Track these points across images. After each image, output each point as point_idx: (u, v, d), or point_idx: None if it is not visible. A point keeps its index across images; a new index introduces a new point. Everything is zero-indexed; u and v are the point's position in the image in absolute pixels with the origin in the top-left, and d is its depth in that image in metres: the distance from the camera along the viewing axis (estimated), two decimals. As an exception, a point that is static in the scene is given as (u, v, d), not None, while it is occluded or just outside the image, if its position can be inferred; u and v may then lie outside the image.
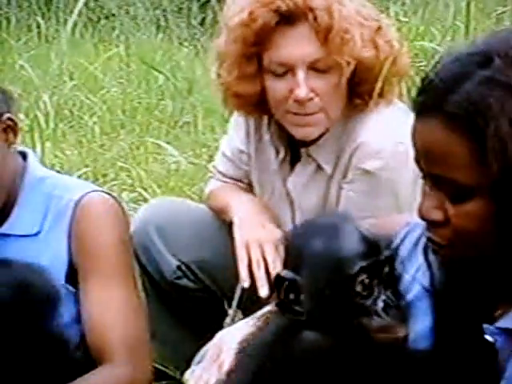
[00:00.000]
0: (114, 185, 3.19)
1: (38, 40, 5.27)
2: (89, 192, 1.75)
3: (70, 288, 1.72)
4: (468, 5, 3.13)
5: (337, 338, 1.28)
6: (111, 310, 1.67)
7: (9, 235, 1.73)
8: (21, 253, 1.69)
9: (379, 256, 1.31)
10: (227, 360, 1.55)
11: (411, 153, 1.93)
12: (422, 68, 3.00)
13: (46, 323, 1.59)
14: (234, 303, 1.98)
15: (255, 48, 1.88)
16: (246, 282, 1.87)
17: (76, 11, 4.28)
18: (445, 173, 1.19)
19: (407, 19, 3.68)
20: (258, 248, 1.89)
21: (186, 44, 5.40)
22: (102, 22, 5.82)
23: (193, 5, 6.01)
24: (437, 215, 1.22)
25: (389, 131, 1.91)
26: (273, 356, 1.30)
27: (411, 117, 1.98)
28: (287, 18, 1.85)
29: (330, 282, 1.29)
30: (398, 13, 3.38)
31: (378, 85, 1.88)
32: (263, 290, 1.84)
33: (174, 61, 4.89)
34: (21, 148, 1.80)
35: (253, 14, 1.85)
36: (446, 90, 1.18)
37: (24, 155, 1.78)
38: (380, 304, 1.29)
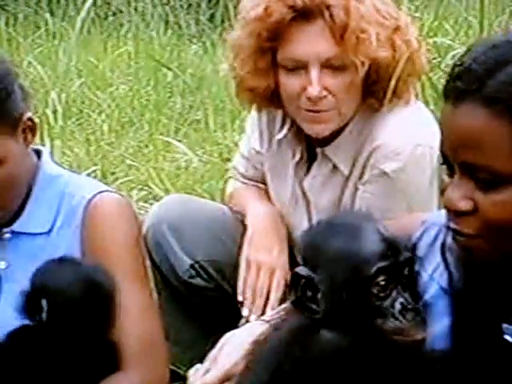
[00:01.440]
0: (123, 183, 3.16)
1: (45, 37, 5.25)
2: (101, 191, 1.73)
3: None
4: (482, 0, 3.10)
5: (353, 338, 1.26)
6: (127, 314, 1.64)
7: (21, 233, 1.72)
8: (33, 251, 1.68)
9: (398, 257, 1.29)
10: (222, 361, 1.56)
11: (429, 155, 1.90)
12: (435, 64, 2.97)
13: (108, 325, 1.57)
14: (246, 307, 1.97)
15: (270, 43, 1.86)
16: (240, 296, 1.95)
17: (85, 8, 4.26)
18: (480, 159, 1.16)
19: (419, 14, 3.65)
20: (256, 271, 1.94)
21: (194, 41, 5.38)
22: (110, 18, 5.80)
23: (202, 1, 5.99)
24: (465, 205, 1.19)
25: (408, 133, 1.89)
26: (290, 355, 1.28)
27: (429, 117, 1.98)
28: (303, 14, 1.83)
29: (347, 281, 1.27)
30: (410, 8, 3.33)
31: (392, 84, 1.86)
32: (244, 311, 1.93)
33: (182, 58, 4.86)
34: (35, 146, 1.78)
35: (268, 8, 1.83)
36: (485, 74, 1.16)
37: (38, 153, 1.77)
38: (397, 306, 1.27)
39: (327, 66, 1.85)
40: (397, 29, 1.87)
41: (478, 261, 1.23)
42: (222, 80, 4.24)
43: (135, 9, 5.77)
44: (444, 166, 1.25)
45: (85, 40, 5.11)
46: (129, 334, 1.63)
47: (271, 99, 1.93)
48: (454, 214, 1.21)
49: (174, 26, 5.67)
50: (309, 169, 1.99)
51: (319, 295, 1.28)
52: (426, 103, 2.42)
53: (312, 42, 1.83)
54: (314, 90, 1.83)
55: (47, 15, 5.59)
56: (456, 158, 1.20)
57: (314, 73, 1.84)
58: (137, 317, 1.66)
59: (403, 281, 1.29)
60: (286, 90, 1.88)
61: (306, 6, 1.82)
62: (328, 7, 1.82)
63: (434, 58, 3.06)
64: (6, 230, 1.72)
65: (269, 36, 1.85)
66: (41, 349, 1.54)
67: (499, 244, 1.20)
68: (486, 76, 1.16)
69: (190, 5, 6.01)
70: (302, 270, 1.30)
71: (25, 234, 1.72)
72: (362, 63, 1.83)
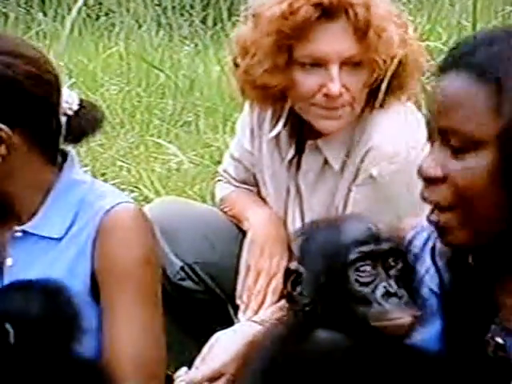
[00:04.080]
0: (114, 184, 3.14)
1: (36, 37, 5.23)
2: (121, 202, 1.69)
3: (90, 300, 1.67)
4: (474, 3, 3.09)
5: (343, 333, 1.26)
6: (133, 332, 1.62)
7: (32, 234, 1.68)
8: (39, 254, 1.65)
9: (380, 245, 1.29)
10: (211, 360, 1.58)
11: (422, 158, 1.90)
12: (427, 68, 2.97)
13: (72, 344, 1.55)
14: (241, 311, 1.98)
15: (290, 40, 1.85)
16: (238, 300, 1.96)
17: (76, 8, 4.24)
18: (455, 123, 1.19)
19: (412, 18, 3.64)
20: (255, 276, 1.94)
21: (187, 42, 5.37)
22: (102, 19, 5.78)
23: (195, 2, 5.97)
24: (436, 171, 1.21)
25: (402, 135, 1.90)
26: (283, 354, 1.28)
27: (421, 119, 1.99)
28: (327, 12, 1.83)
29: (327, 269, 1.29)
30: (403, 11, 3.33)
31: (386, 81, 1.87)
32: (240, 315, 1.93)
33: (175, 59, 4.85)
34: (64, 148, 1.73)
35: (293, 6, 1.82)
36: (473, 49, 1.21)
37: (65, 155, 1.72)
38: (379, 291, 1.27)
39: (346, 63, 1.85)
40: (404, 27, 1.89)
41: (452, 243, 1.23)
42: (215, 82, 4.24)
43: (127, 10, 5.76)
44: None
45: (76, 40, 5.10)
46: (130, 353, 1.61)
47: (281, 96, 1.93)
48: (427, 182, 1.23)
49: (167, 27, 5.65)
50: (299, 164, 1.99)
51: (303, 287, 1.29)
52: (418, 107, 2.41)
53: (335, 40, 1.84)
54: (334, 87, 1.84)
55: (38, 15, 5.57)
56: (435, 123, 1.23)
57: (335, 70, 1.84)
58: (142, 337, 1.63)
59: (388, 270, 1.29)
60: (302, 87, 1.88)
61: (332, 4, 1.82)
62: (352, 6, 1.83)
63: (428, 61, 3.06)
64: (18, 228, 1.69)
65: (290, 34, 1.84)
66: (12, 372, 1.52)
67: (470, 221, 1.20)
68: (474, 50, 1.21)
69: (182, 6, 6.00)
70: (292, 264, 1.33)
71: (35, 235, 1.68)
72: (384, 61, 1.84)
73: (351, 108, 1.88)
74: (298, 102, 1.91)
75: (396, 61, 1.86)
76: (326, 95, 1.85)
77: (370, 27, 1.82)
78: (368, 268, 1.28)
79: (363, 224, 1.32)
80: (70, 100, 1.69)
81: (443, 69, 1.24)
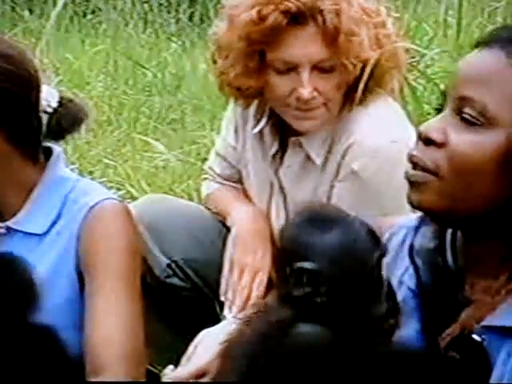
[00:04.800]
0: (101, 182, 3.14)
1: (23, 34, 5.21)
2: (105, 199, 1.68)
3: (78, 296, 1.67)
4: (460, 0, 3.10)
5: (340, 330, 1.25)
6: (113, 321, 1.62)
7: (16, 230, 1.68)
8: (23, 251, 1.63)
9: (383, 247, 1.29)
10: (196, 357, 1.58)
11: (404, 153, 1.92)
12: (413, 65, 2.97)
13: (27, 312, 1.54)
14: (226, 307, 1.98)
15: (261, 45, 1.87)
16: (222, 297, 1.96)
17: (60, 3, 4.23)
18: (478, 95, 1.19)
19: (398, 14, 3.64)
20: (239, 272, 1.94)
21: (174, 39, 5.36)
22: (89, 16, 5.77)
23: (182, 0, 5.97)
24: (438, 135, 1.20)
25: (383, 130, 1.91)
26: (267, 351, 1.26)
27: (402, 113, 1.99)
28: (296, 19, 1.85)
29: (353, 271, 1.26)
30: (389, 8, 3.33)
31: (365, 78, 1.88)
32: (225, 311, 1.94)
33: (162, 56, 4.84)
34: (50, 145, 1.72)
35: (261, 12, 1.84)
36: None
37: (49, 152, 1.71)
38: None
39: (317, 67, 1.87)
40: (380, 25, 1.90)
41: (422, 204, 1.22)
42: (202, 79, 4.23)
43: (114, 7, 5.74)
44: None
45: (62, 38, 5.08)
46: (111, 342, 1.60)
47: (257, 96, 1.95)
48: (423, 142, 1.22)
49: (154, 24, 5.64)
50: (283, 160, 2.00)
51: (322, 288, 1.25)
52: (404, 104, 2.41)
53: (304, 46, 1.85)
54: (305, 92, 1.86)
55: (24, 12, 5.55)
56: (456, 92, 1.22)
57: (305, 75, 1.86)
58: (122, 326, 1.63)
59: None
60: (275, 90, 1.90)
61: (300, 10, 1.83)
62: (320, 12, 1.84)
63: (413, 57, 3.06)
64: (1, 224, 1.68)
65: (260, 39, 1.86)
66: None
67: (455, 191, 1.19)
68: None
69: (169, 3, 5.99)
70: (306, 264, 1.26)
71: (19, 232, 1.68)
72: (354, 65, 1.86)
73: (326, 109, 1.90)
74: (274, 104, 1.93)
75: (372, 61, 1.86)
76: (298, 99, 1.87)
77: (339, 33, 1.83)
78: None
79: (363, 222, 1.30)
80: (49, 97, 1.68)
81: (479, 44, 1.23)
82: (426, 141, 1.21)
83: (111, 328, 1.62)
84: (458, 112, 1.20)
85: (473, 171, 1.18)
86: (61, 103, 1.69)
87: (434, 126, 1.21)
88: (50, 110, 1.68)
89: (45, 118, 1.68)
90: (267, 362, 1.25)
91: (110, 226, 1.67)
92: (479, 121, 1.18)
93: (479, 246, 1.23)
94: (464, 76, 1.22)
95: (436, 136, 1.20)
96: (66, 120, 1.69)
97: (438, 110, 1.25)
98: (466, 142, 1.19)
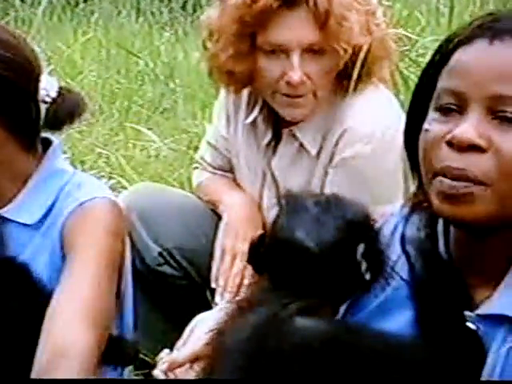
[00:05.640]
0: (93, 171, 3.13)
1: (14, 23, 5.19)
2: (97, 197, 1.66)
3: None
4: (452, -11, 3.09)
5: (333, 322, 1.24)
6: (77, 295, 1.58)
7: (9, 220, 1.66)
8: (18, 241, 1.63)
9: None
10: (191, 342, 1.58)
11: (397, 139, 1.91)
12: (405, 53, 2.97)
13: None
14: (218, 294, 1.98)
15: (252, 28, 1.87)
16: (213, 283, 1.97)
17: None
18: None
19: (390, 3, 3.64)
20: (230, 259, 1.95)
21: (166, 28, 5.35)
22: (81, 5, 5.75)
23: (174, -12, 5.95)
24: (479, 139, 1.11)
25: (377, 116, 1.91)
26: (264, 347, 1.23)
27: (394, 101, 1.99)
28: (288, 2, 1.85)
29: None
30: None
31: (358, 66, 1.88)
32: (217, 298, 1.94)
33: (154, 45, 4.83)
34: (49, 136, 1.70)
35: None
36: None
37: (48, 143, 1.69)
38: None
39: (308, 51, 1.86)
40: (370, 13, 1.90)
41: (466, 217, 1.13)
42: (194, 68, 4.22)
43: (106, -5, 5.73)
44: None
45: (55, 27, 5.06)
46: (69, 303, 1.56)
47: (248, 82, 1.95)
48: (463, 150, 1.12)
49: (146, 13, 5.63)
50: (275, 151, 2.00)
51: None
52: (396, 93, 2.42)
53: (295, 29, 1.85)
54: (295, 75, 1.85)
55: (16, 1, 5.53)
56: (483, 91, 1.13)
57: (296, 58, 1.86)
58: (84, 288, 1.58)
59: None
60: (264, 74, 1.90)
61: None
62: None
63: (405, 46, 3.06)
64: None
65: (252, 22, 1.86)
66: None
67: (500, 198, 1.12)
68: None
69: (162, -8, 5.97)
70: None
71: (12, 221, 1.66)
72: (345, 50, 1.85)
73: (314, 96, 1.90)
74: (262, 89, 1.93)
75: (365, 48, 1.87)
76: (288, 83, 1.87)
77: (330, 16, 1.83)
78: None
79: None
80: (48, 87, 1.67)
81: (491, 36, 1.14)
82: (469, 148, 1.12)
83: (74, 295, 1.58)
84: (493, 112, 1.12)
85: None
86: (60, 93, 1.68)
87: (471, 130, 1.12)
88: (48, 99, 1.67)
89: (43, 108, 1.68)
90: (265, 359, 1.23)
91: (95, 216, 1.65)
92: None
93: (491, 240, 1.19)
94: (487, 72, 1.13)
95: (480, 141, 1.11)
96: (63, 111, 1.68)
97: (444, 110, 1.15)
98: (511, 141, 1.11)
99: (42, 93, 1.66)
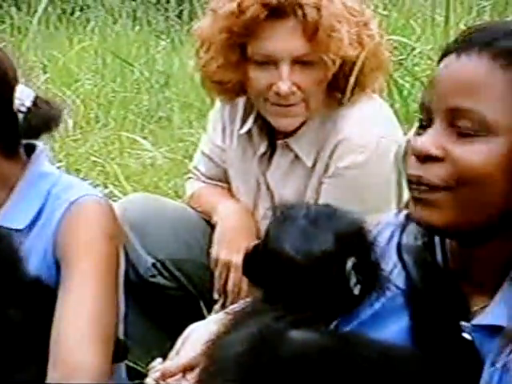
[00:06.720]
0: (88, 180, 3.12)
1: (10, 32, 5.20)
2: (86, 194, 1.67)
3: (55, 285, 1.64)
4: (448, -2, 3.09)
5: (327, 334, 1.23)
6: (83, 311, 1.59)
7: None
8: None
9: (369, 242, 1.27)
10: (185, 351, 1.55)
11: (392, 148, 1.91)
12: (401, 63, 2.97)
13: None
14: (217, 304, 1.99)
15: (241, 38, 1.88)
16: (215, 295, 1.99)
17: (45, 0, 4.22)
18: (473, 104, 1.15)
19: (387, 12, 3.65)
20: (225, 269, 1.96)
21: (163, 37, 5.36)
22: (77, 13, 5.75)
23: (170, -3, 5.96)
24: (437, 150, 1.16)
25: (371, 126, 1.91)
26: (259, 360, 1.23)
27: (389, 110, 1.99)
28: (276, 12, 1.85)
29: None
30: (377, 6, 3.34)
31: (353, 79, 1.88)
32: (215, 309, 1.96)
33: (150, 54, 4.84)
34: (33, 141, 1.71)
35: (242, 5, 1.84)
36: (499, 34, 1.17)
37: (32, 148, 1.70)
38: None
39: (297, 62, 1.86)
40: (363, 24, 1.90)
41: (434, 223, 1.19)
42: (190, 77, 4.23)
43: (102, 4, 5.73)
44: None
45: (50, 35, 5.07)
46: (71, 323, 1.57)
47: (239, 92, 1.95)
48: (421, 160, 1.18)
49: (142, 22, 5.63)
50: (270, 162, 2.00)
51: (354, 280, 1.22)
52: (391, 102, 2.41)
53: (284, 40, 1.85)
54: (283, 86, 1.86)
55: (12, 9, 5.53)
56: (443, 103, 1.17)
57: (285, 69, 1.86)
58: (90, 314, 1.60)
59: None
60: (254, 84, 1.90)
61: (280, 4, 1.84)
62: (301, 6, 1.84)
63: (401, 55, 3.06)
64: None
65: (241, 32, 1.86)
66: None
67: (463, 203, 1.16)
68: (501, 36, 1.16)
69: (158, 1, 5.98)
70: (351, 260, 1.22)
71: (2, 228, 1.64)
72: (333, 61, 1.85)
73: (305, 106, 1.90)
74: (254, 99, 1.93)
75: (358, 60, 1.86)
76: (277, 93, 1.87)
77: (319, 27, 1.83)
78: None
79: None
80: (22, 96, 1.67)
81: (460, 49, 1.17)
82: (425, 158, 1.17)
83: (77, 319, 1.58)
84: (451, 124, 1.16)
85: (481, 180, 1.15)
86: (35, 103, 1.68)
87: (429, 141, 1.17)
88: (23, 109, 1.67)
89: (19, 117, 1.67)
90: (260, 372, 1.23)
91: (89, 219, 1.65)
92: (479, 132, 1.15)
93: (479, 250, 1.21)
94: (449, 85, 1.17)
95: (436, 152, 1.16)
96: (36, 120, 1.68)
97: (421, 124, 1.20)
98: (468, 154, 1.15)
99: (16, 102, 1.66)
